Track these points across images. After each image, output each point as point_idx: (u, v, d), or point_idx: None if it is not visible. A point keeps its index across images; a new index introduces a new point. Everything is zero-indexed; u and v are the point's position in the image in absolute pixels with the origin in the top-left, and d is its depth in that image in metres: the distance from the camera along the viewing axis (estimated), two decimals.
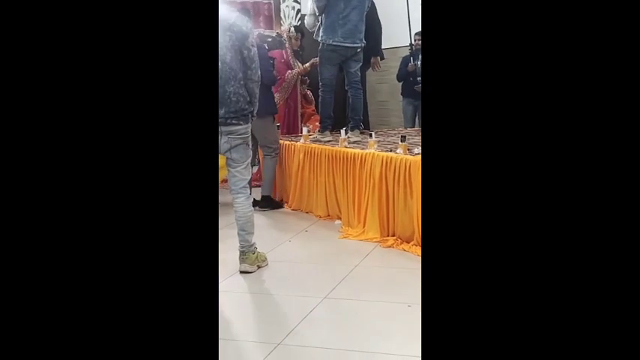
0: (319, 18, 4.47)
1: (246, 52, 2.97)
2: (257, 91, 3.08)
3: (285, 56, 5.28)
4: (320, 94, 4.61)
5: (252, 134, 4.38)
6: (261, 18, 6.15)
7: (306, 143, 4.48)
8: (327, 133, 4.57)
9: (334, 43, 4.34)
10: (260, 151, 4.72)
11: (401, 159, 3.47)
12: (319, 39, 4.44)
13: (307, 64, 5.26)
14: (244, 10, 4.43)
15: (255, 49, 3.03)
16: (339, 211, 4.10)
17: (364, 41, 4.47)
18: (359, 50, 4.50)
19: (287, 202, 4.67)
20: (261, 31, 5.56)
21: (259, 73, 3.05)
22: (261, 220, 4.15)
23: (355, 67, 4.57)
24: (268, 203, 4.55)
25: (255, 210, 3.25)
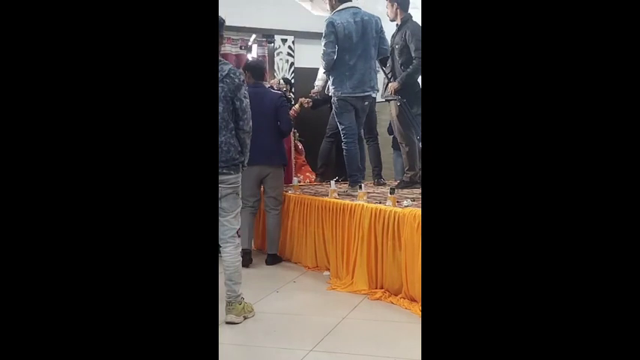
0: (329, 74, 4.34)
1: (238, 103, 3.02)
2: (248, 141, 3.12)
3: None
4: (344, 146, 4.39)
5: (262, 183, 4.35)
6: None
7: (296, 193, 4.50)
8: (358, 187, 4.15)
9: (344, 95, 4.26)
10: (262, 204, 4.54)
11: (390, 211, 3.49)
12: (330, 94, 4.37)
13: (296, 106, 5.31)
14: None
15: (248, 100, 3.08)
16: (328, 262, 4.09)
17: (377, 89, 4.37)
18: (370, 101, 4.41)
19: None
20: (275, 84, 5.60)
21: (250, 124, 3.10)
22: (249, 270, 4.12)
23: (362, 118, 4.45)
24: (275, 260, 4.42)
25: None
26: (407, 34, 4.22)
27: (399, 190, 4.35)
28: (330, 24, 4.16)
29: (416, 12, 5.21)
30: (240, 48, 4.55)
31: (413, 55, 4.18)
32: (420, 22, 4.14)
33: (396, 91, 4.24)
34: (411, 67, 4.20)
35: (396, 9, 4.28)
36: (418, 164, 4.55)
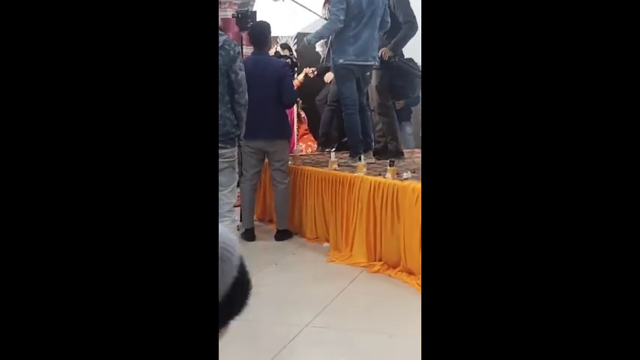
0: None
1: (233, 75, 2.98)
2: (244, 114, 3.08)
3: None
4: (344, 117, 4.32)
5: (266, 157, 4.23)
6: None
7: (296, 164, 4.47)
8: (357, 158, 4.09)
9: (347, 62, 4.12)
10: (269, 177, 4.44)
11: (389, 184, 3.46)
12: (330, 62, 4.25)
13: (300, 76, 5.22)
14: None
15: (243, 72, 3.03)
16: (328, 233, 4.08)
17: (378, 60, 4.26)
18: (371, 71, 4.32)
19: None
20: (278, 49, 5.45)
21: (247, 97, 3.06)
22: (249, 242, 4.14)
23: (364, 88, 4.38)
24: (286, 235, 4.30)
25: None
26: (391, 1, 4.22)
27: (381, 157, 4.32)
28: None
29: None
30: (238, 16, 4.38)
31: (401, 20, 4.21)
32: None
33: (390, 57, 4.27)
34: (400, 32, 4.26)
35: None
36: (399, 135, 4.60)
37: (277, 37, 6.64)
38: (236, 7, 6.56)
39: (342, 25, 4.03)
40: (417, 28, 4.33)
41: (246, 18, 4.36)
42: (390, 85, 4.46)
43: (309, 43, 4.15)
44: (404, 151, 5.30)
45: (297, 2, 4.82)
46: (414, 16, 4.29)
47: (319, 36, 4.12)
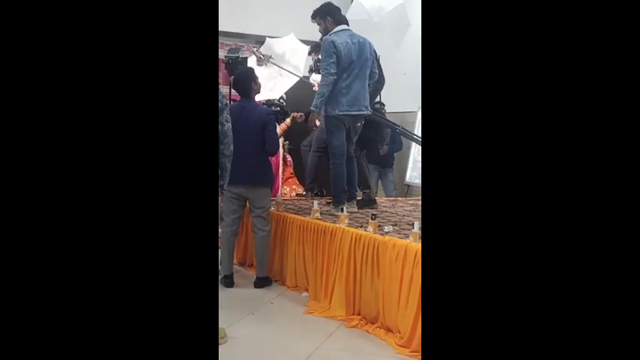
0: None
1: (220, 126, 2.98)
2: (228, 165, 3.08)
3: None
4: (331, 166, 4.34)
5: (249, 203, 4.22)
6: None
7: (278, 210, 4.46)
8: (340, 209, 4.03)
9: (340, 113, 4.18)
10: (250, 225, 4.43)
11: (370, 238, 3.45)
12: (322, 112, 4.26)
13: (288, 120, 5.25)
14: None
15: (230, 124, 3.04)
16: (307, 282, 4.05)
17: (370, 109, 4.35)
18: (362, 121, 4.38)
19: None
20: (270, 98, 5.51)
21: (232, 148, 3.06)
22: (227, 288, 4.10)
23: (354, 138, 4.42)
24: (265, 283, 4.26)
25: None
26: None
27: (360, 209, 4.40)
28: (332, 44, 4.09)
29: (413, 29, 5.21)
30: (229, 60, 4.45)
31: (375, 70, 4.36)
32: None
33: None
34: (371, 86, 4.37)
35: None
36: (371, 184, 4.75)
37: None
38: (226, 48, 6.63)
39: (335, 77, 4.12)
40: (384, 81, 4.60)
41: (236, 64, 4.41)
42: (361, 136, 4.52)
43: (317, 108, 4.18)
44: (386, 199, 5.33)
45: (279, 66, 5.03)
46: (382, 70, 4.53)
47: (321, 96, 4.14)
